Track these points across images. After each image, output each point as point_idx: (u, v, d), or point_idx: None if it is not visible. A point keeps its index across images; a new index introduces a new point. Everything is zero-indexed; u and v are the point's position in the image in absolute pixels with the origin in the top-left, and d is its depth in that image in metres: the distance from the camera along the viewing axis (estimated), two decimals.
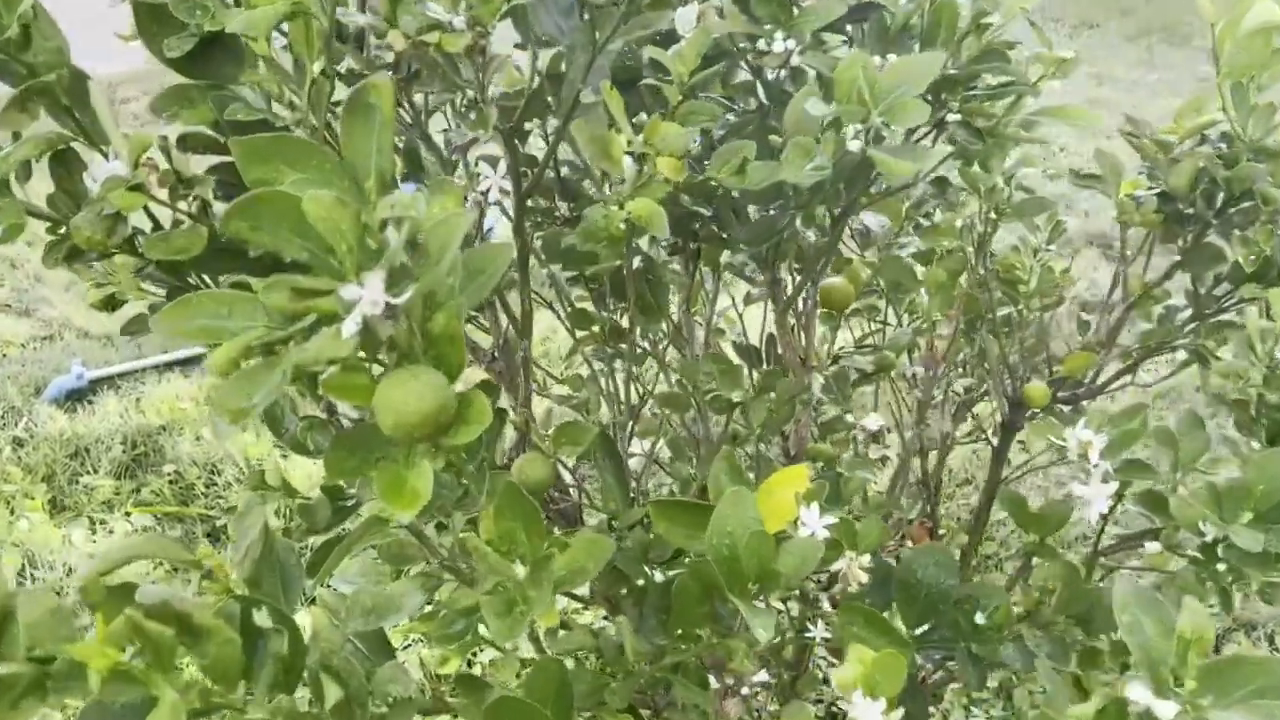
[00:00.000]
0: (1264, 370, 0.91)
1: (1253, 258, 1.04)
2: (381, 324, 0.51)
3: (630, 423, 1.13)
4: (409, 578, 0.81)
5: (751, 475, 0.88)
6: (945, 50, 0.81)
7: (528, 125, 0.96)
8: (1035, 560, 1.13)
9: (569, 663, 0.77)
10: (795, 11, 0.86)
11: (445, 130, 1.10)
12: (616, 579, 0.86)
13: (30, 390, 2.58)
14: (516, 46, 0.95)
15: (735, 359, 1.17)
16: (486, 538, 0.63)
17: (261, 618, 0.51)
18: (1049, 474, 2.11)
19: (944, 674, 1.12)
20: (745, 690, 0.88)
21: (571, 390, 1.14)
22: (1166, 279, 1.08)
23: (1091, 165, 1.12)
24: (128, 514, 2.21)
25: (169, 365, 2.71)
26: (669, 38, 0.89)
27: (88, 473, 2.31)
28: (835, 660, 1.35)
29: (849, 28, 0.94)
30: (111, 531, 2.14)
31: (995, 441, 1.29)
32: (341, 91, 0.64)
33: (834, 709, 1.71)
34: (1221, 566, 0.83)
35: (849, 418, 1.12)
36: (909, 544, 1.32)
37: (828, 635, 1.01)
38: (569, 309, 1.16)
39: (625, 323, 1.13)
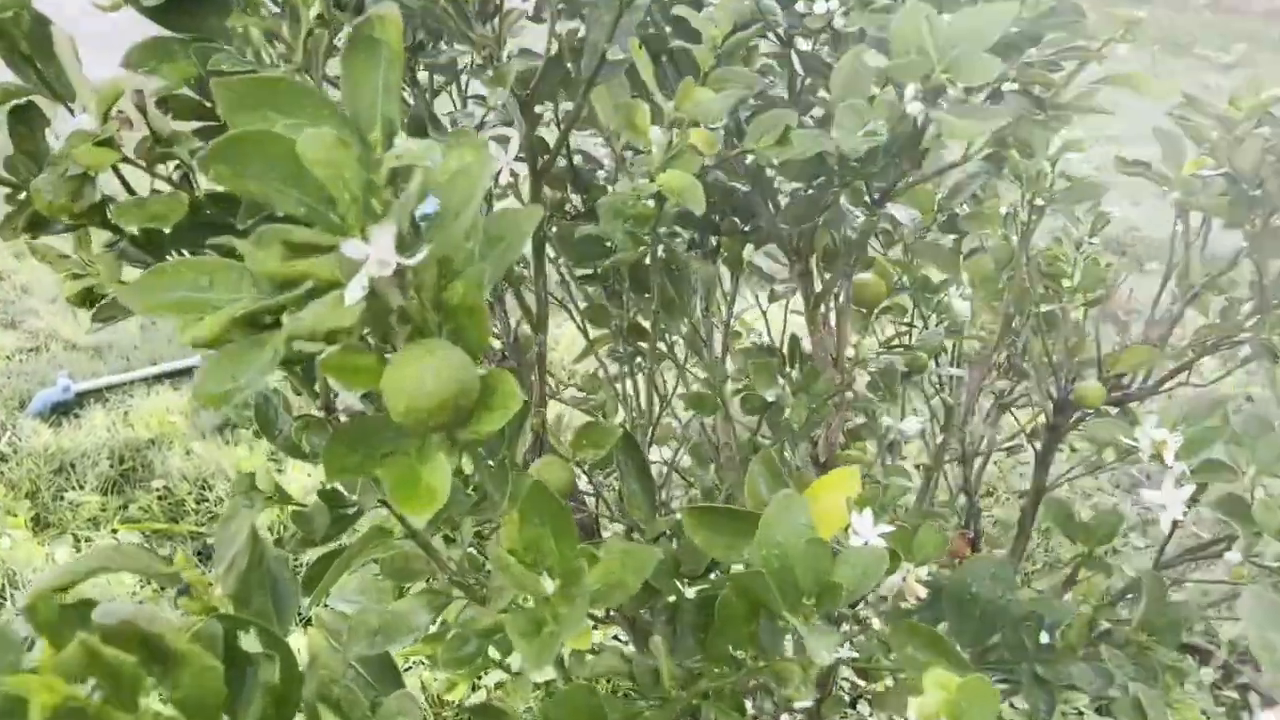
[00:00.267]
0: None
1: None
2: (391, 289, 0.43)
3: (651, 428, 1.05)
4: (414, 595, 0.72)
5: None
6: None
7: (539, 110, 0.89)
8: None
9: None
10: None
11: (450, 113, 1.03)
12: (645, 595, 0.78)
13: (14, 404, 2.49)
14: (529, 19, 0.88)
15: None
16: (508, 546, 0.54)
17: (249, 641, 0.42)
18: (1075, 484, 2.03)
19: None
20: (785, 717, 0.80)
21: (587, 391, 1.06)
22: (1231, 268, 1.00)
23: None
24: (114, 531, 2.11)
25: (158, 377, 2.62)
26: (695, 5, 0.82)
27: (73, 488, 2.22)
28: (862, 681, 1.26)
29: None
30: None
31: (1038, 446, 1.21)
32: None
33: None
34: None
35: (886, 420, 1.04)
36: (949, 557, 1.24)
37: (854, 654, 0.93)
38: (584, 307, 1.08)
39: (643, 321, 1.05)
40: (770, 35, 0.91)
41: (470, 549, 0.75)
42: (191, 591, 0.44)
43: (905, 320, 1.29)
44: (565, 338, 2.43)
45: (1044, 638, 0.81)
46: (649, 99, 0.75)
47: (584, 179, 1.10)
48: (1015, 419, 1.17)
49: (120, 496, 2.22)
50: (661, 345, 1.15)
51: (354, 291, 0.41)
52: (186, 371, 2.63)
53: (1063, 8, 0.72)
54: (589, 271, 1.07)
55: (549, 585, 0.54)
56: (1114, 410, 1.16)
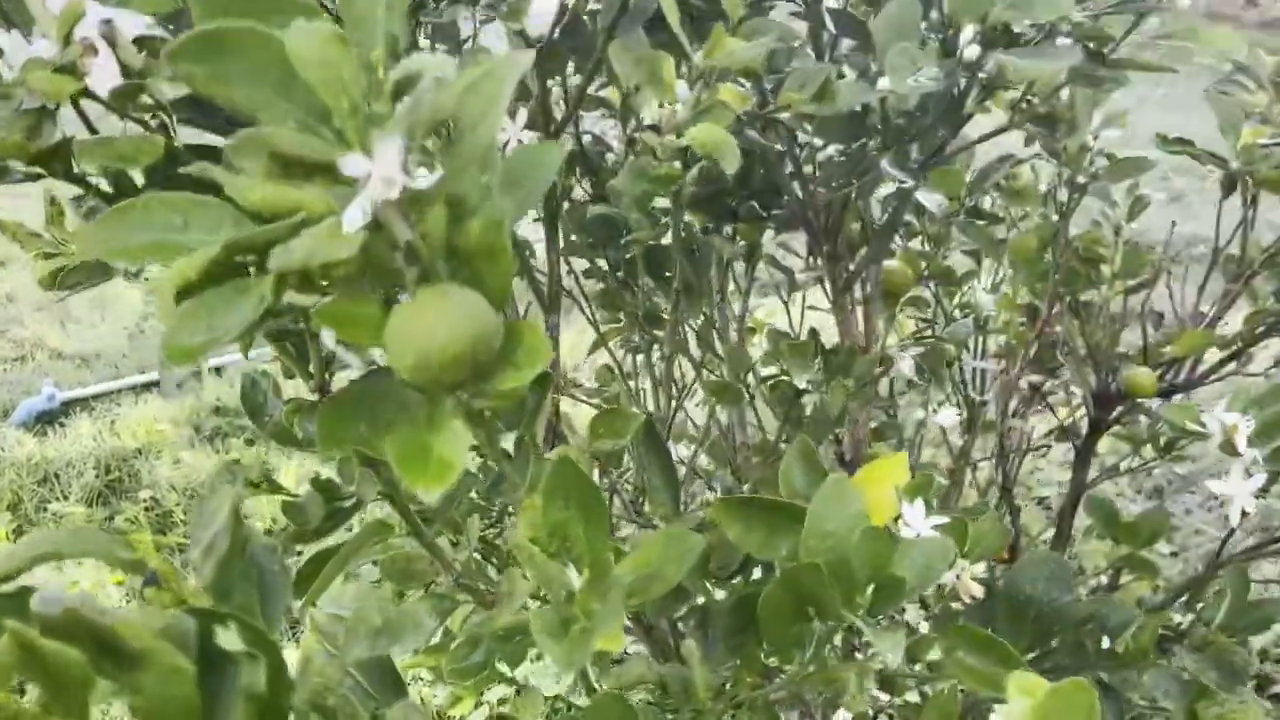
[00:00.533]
0: None
1: None
2: (397, 219, 0.36)
3: (669, 420, 0.98)
4: (417, 600, 0.65)
5: None
6: None
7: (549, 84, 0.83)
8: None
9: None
10: None
11: None
12: (674, 597, 0.71)
13: None
14: None
15: None
16: (530, 534, 0.47)
17: (229, 639, 0.35)
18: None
19: None
20: None
21: (600, 384, 0.99)
22: None
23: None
24: None
25: (146, 386, 2.55)
26: None
27: (57, 499, 2.14)
28: (885, 695, 1.19)
29: None
30: (80, 563, 1.97)
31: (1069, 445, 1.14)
32: None
33: None
34: None
35: (919, 414, 0.97)
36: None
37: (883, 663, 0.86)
38: (597, 289, 1.01)
39: (660, 306, 0.99)
40: None
41: (476, 553, 0.68)
42: (160, 581, 0.37)
43: (923, 316, 1.23)
44: (566, 339, 2.36)
45: (1104, 642, 0.74)
46: (675, 51, 0.68)
47: (592, 163, 1.03)
48: (1054, 413, 1.11)
49: (106, 508, 2.14)
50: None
51: (354, 216, 0.34)
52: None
53: None
54: (594, 263, 1.00)
55: (576, 578, 0.47)
56: (1157, 403, 1.10)
